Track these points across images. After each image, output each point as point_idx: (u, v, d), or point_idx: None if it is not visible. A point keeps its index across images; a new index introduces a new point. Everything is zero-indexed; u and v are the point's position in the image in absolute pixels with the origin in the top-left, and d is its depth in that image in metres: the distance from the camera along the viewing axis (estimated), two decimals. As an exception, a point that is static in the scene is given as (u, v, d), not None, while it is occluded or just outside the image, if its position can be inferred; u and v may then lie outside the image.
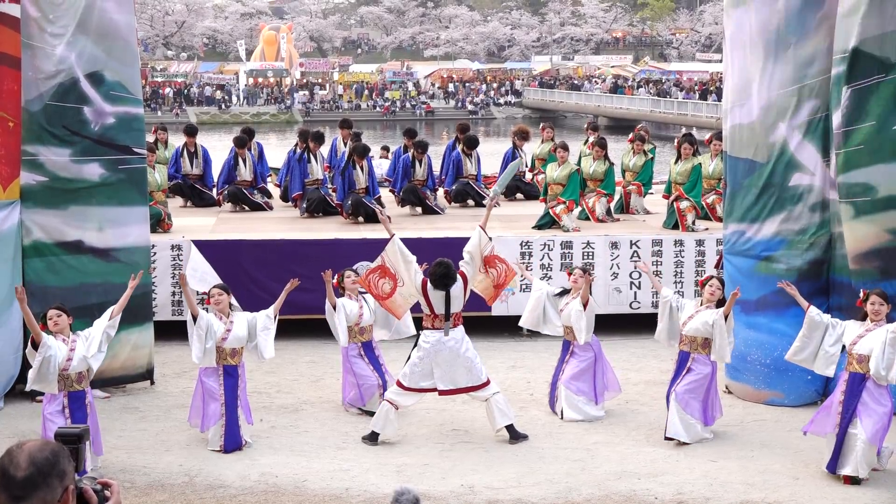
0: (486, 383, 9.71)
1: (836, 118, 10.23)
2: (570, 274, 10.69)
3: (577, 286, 10.37)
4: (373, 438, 9.62)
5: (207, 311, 9.76)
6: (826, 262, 10.73)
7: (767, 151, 10.82)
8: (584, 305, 10.28)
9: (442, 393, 9.78)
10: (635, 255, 13.51)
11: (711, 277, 10.05)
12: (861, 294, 9.06)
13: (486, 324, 12.95)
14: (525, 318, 10.96)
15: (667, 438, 9.62)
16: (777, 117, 10.74)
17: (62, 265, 10.95)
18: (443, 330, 9.59)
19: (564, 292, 10.64)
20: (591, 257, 13.50)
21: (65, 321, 8.95)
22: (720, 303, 9.78)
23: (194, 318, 9.52)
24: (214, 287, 9.93)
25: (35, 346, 8.71)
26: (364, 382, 10.39)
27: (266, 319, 9.88)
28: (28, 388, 8.94)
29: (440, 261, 9.66)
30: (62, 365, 8.76)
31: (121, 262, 11.10)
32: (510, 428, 9.68)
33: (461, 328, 9.74)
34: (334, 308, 10.39)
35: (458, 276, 9.69)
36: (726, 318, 9.59)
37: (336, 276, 10.66)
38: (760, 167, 10.87)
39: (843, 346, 8.99)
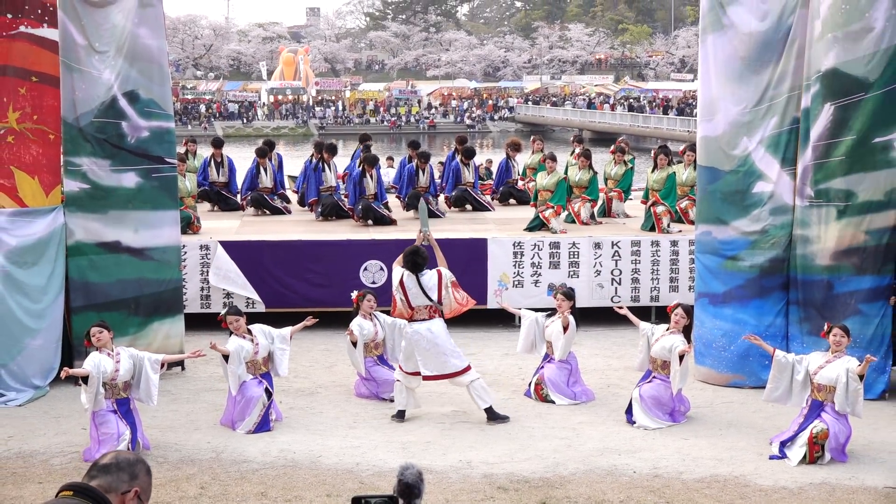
0: (466, 369, 9.64)
1: (816, 131, 10.27)
2: (556, 296, 10.65)
3: (561, 308, 10.38)
4: (401, 416, 9.65)
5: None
6: (786, 260, 10.76)
7: (732, 162, 10.87)
8: (565, 328, 10.31)
9: (426, 378, 9.72)
10: (616, 254, 13.51)
11: (678, 305, 9.94)
12: (825, 326, 9.04)
13: (482, 316, 12.96)
14: (520, 346, 10.84)
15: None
16: (741, 132, 10.77)
17: (102, 263, 10.99)
18: (420, 321, 9.57)
19: (553, 313, 10.65)
20: (576, 256, 13.50)
21: (106, 336, 8.91)
22: (688, 328, 9.75)
23: (226, 358, 9.38)
24: (229, 314, 9.73)
25: (86, 381, 8.68)
26: (386, 381, 10.39)
27: (282, 340, 9.82)
28: (87, 410, 8.82)
29: (411, 247, 9.62)
30: (110, 376, 8.72)
31: (154, 259, 11.14)
32: (489, 410, 9.63)
33: (438, 321, 9.64)
34: (354, 345, 10.34)
35: (435, 272, 9.58)
36: (681, 358, 9.45)
37: (356, 294, 10.70)
38: (725, 175, 10.92)
39: None
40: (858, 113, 10.08)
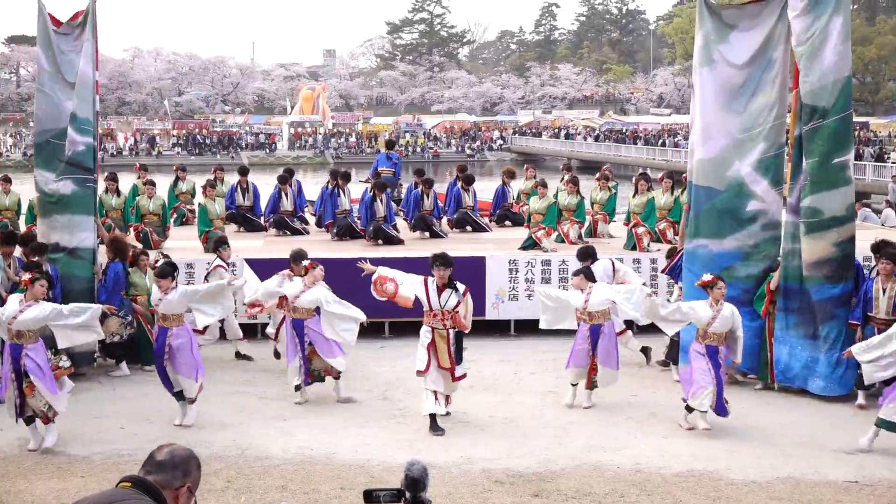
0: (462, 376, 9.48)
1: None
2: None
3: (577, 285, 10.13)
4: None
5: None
6: (776, 271, 10.75)
7: (725, 182, 10.84)
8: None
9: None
10: (601, 270, 13.49)
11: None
12: (709, 278, 9.37)
13: (481, 326, 12.94)
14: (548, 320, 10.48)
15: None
16: (734, 156, 10.77)
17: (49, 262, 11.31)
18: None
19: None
20: (566, 272, 13.47)
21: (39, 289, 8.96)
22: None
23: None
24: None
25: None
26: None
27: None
28: None
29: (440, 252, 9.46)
30: (9, 317, 8.76)
31: (82, 259, 11.53)
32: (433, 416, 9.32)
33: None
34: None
35: (463, 288, 9.34)
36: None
37: (308, 263, 10.69)
38: (719, 194, 10.87)
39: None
40: (817, 137, 10.22)
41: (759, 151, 10.69)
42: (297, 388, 10.19)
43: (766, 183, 10.72)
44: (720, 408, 9.22)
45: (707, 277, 9.39)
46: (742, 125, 10.72)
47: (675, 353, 11.30)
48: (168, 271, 9.62)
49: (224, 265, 11.85)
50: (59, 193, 11.39)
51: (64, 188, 11.39)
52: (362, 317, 10.11)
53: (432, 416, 9.29)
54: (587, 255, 11.01)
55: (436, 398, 9.27)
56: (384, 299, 9.82)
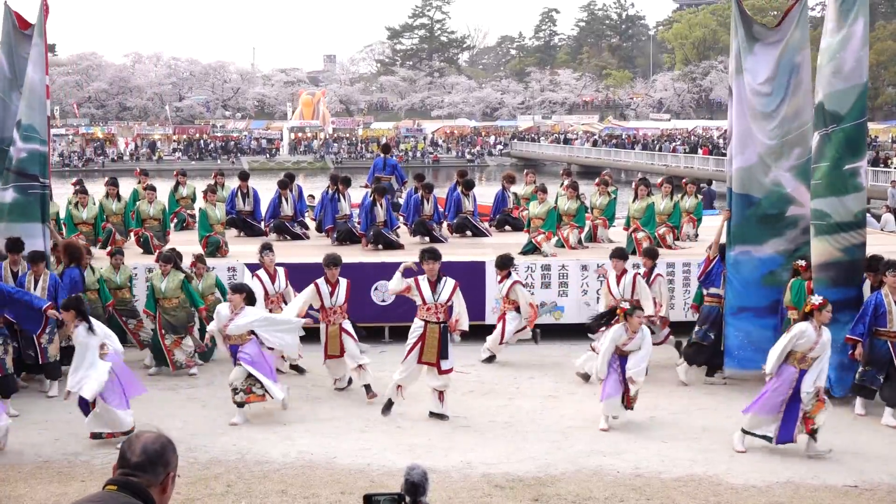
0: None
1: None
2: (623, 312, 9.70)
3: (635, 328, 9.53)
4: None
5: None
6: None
7: (763, 189, 10.90)
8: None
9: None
10: (601, 276, 13.49)
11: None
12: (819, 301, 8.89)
13: (481, 331, 12.93)
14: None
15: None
16: (770, 162, 10.83)
17: None
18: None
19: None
20: (565, 277, 13.50)
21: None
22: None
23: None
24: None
25: None
26: None
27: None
28: None
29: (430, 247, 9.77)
30: None
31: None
32: (433, 413, 9.85)
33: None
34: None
35: (454, 282, 9.74)
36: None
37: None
38: (759, 201, 10.91)
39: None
40: (831, 142, 10.24)
41: (794, 157, 10.81)
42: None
43: (804, 188, 10.79)
44: (786, 436, 8.78)
45: (817, 300, 8.80)
46: (775, 132, 10.80)
47: (693, 353, 11.23)
48: (73, 304, 9.09)
49: (260, 276, 11.42)
50: (2, 202, 11.38)
51: (5, 196, 11.37)
52: (299, 322, 10.13)
53: (390, 400, 9.88)
54: (504, 264, 12.10)
55: (398, 390, 9.85)
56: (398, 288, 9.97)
